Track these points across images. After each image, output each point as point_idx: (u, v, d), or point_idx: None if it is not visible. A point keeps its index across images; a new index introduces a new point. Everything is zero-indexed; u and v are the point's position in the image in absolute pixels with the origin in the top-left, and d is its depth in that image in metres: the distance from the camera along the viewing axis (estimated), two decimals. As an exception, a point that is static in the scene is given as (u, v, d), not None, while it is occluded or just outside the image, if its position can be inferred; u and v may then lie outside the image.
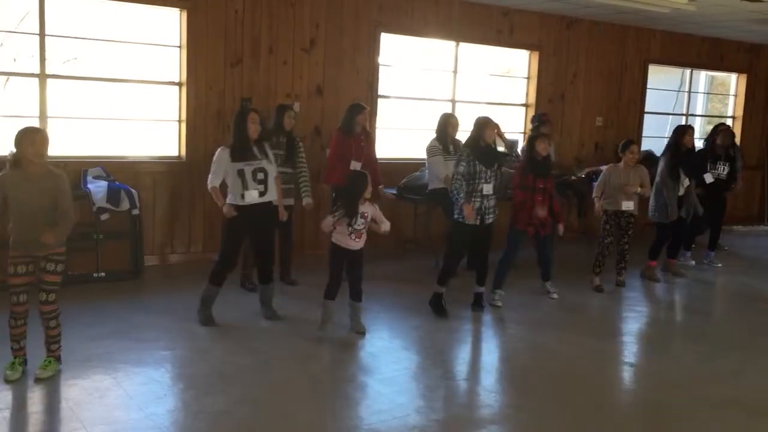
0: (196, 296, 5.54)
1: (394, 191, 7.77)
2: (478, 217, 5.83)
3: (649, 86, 10.60)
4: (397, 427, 3.93)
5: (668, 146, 7.53)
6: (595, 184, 7.14)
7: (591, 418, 4.19)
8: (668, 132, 7.90)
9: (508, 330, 5.94)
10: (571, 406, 4.35)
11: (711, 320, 6.73)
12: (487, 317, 6.05)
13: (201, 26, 7.12)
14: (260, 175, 5.37)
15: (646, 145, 10.26)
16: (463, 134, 6.42)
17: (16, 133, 4.20)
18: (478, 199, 5.80)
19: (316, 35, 7.76)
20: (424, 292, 6.22)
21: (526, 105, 9.53)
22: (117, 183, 6.64)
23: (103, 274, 6.52)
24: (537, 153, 6.27)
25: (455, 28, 8.68)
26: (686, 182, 7.40)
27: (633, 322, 6.37)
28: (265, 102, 7.23)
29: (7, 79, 8.95)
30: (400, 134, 9.27)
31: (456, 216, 5.88)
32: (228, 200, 5.38)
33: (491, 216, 5.93)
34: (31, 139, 4.14)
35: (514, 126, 9.51)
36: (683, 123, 11.04)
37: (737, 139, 11.69)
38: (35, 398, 4.17)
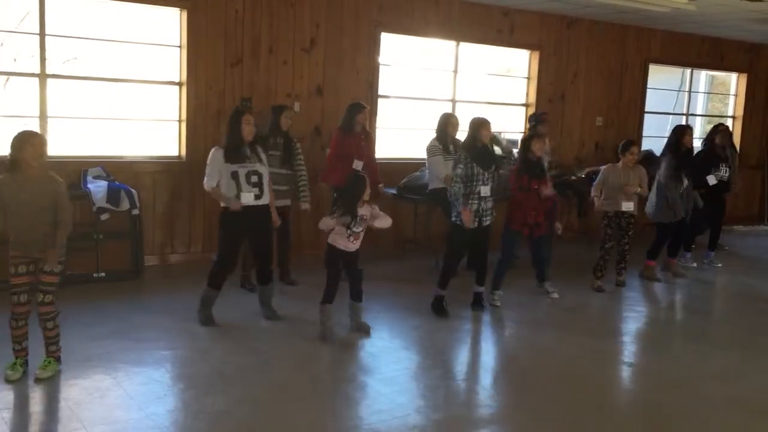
0: (197, 296, 5.54)
1: (394, 191, 7.77)
2: (476, 219, 5.82)
3: (649, 86, 10.59)
4: (397, 427, 3.93)
5: (668, 146, 7.51)
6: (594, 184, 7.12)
7: (591, 418, 4.19)
8: (668, 132, 7.86)
9: (508, 330, 5.94)
10: (571, 405, 4.35)
11: (711, 320, 6.73)
12: (487, 317, 6.05)
13: (201, 26, 7.12)
14: (254, 178, 5.36)
15: (646, 144, 10.26)
16: (463, 134, 6.42)
17: (13, 136, 4.19)
18: (476, 201, 5.79)
19: (316, 35, 7.77)
20: (424, 292, 6.22)
21: (526, 105, 9.53)
22: (117, 183, 6.64)
23: (103, 274, 6.52)
24: (532, 153, 6.25)
25: (455, 28, 8.68)
26: (685, 182, 7.40)
27: (633, 322, 6.37)
28: (265, 102, 7.24)
29: (8, 79, 8.96)
30: (401, 134, 9.27)
31: (454, 218, 5.87)
32: (223, 203, 5.38)
33: (489, 218, 5.92)
34: (32, 142, 4.15)
35: (515, 126, 9.52)
36: (684, 123, 11.08)
37: (738, 139, 11.79)
38: (36, 398, 4.17)
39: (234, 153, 5.31)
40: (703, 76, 12.48)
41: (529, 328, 5.93)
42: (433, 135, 7.16)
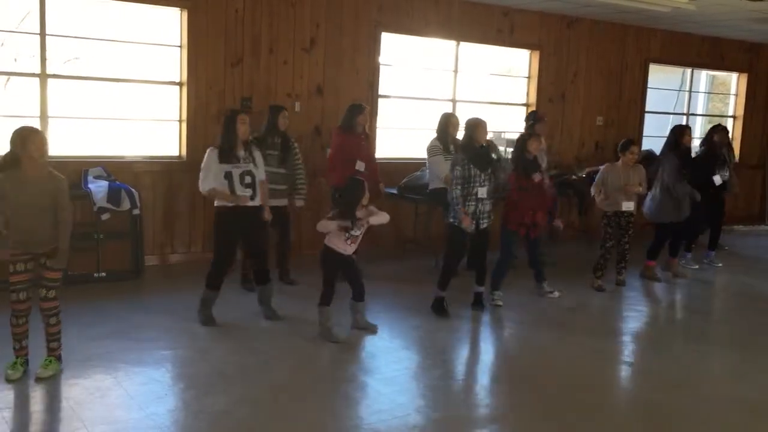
0: (197, 296, 5.55)
1: (395, 191, 7.77)
2: (474, 222, 5.82)
3: (649, 86, 10.59)
4: (397, 427, 3.94)
5: (669, 146, 7.47)
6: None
7: (591, 418, 4.19)
8: (668, 132, 7.83)
9: (508, 330, 5.94)
10: (571, 405, 4.35)
11: (711, 320, 6.73)
12: (487, 317, 6.05)
13: (201, 26, 7.13)
14: (248, 179, 5.36)
15: (646, 144, 10.26)
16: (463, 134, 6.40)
17: (14, 132, 4.19)
18: (473, 204, 5.79)
19: (316, 35, 7.77)
20: (424, 292, 6.23)
21: (526, 104, 9.53)
22: (117, 183, 6.65)
23: (103, 274, 6.52)
24: (528, 153, 6.23)
25: (456, 28, 8.68)
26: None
27: (633, 322, 6.37)
28: (265, 102, 7.23)
29: (8, 79, 8.96)
30: (401, 134, 9.28)
31: (452, 220, 5.86)
32: (217, 203, 5.36)
33: (486, 221, 5.91)
34: (33, 139, 4.15)
35: (515, 126, 9.51)
36: (684, 123, 11.08)
37: (738, 139, 11.80)
38: (36, 398, 4.17)
39: (228, 153, 5.30)
40: (703, 75, 12.48)
41: (529, 327, 5.93)
42: (434, 135, 7.16)
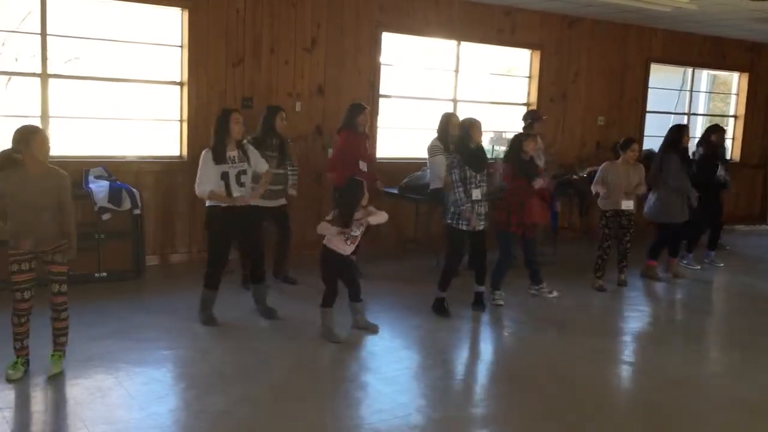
0: (197, 296, 5.55)
1: (396, 191, 7.77)
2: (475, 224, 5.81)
3: (650, 85, 10.59)
4: (398, 427, 3.94)
5: (671, 146, 7.39)
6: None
7: (591, 418, 4.20)
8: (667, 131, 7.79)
9: (508, 330, 5.94)
10: (572, 405, 4.35)
11: (712, 320, 6.73)
12: (488, 317, 6.05)
13: (202, 26, 7.13)
14: (243, 178, 5.36)
15: (647, 144, 10.25)
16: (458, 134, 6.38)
17: (17, 132, 4.19)
18: (469, 205, 5.78)
19: (317, 35, 7.77)
20: (424, 292, 6.23)
21: (527, 104, 9.52)
22: (118, 183, 6.65)
23: (104, 274, 6.53)
24: (525, 153, 6.21)
25: (456, 28, 8.68)
26: None
27: (634, 322, 6.37)
28: (266, 102, 7.23)
29: (9, 79, 8.96)
30: (402, 134, 9.27)
31: (450, 221, 5.85)
32: (209, 202, 5.35)
33: (483, 222, 5.89)
34: (36, 138, 4.16)
35: (516, 126, 9.50)
36: (685, 122, 11.08)
37: (739, 139, 11.80)
38: (37, 398, 4.18)
39: (223, 153, 5.29)
40: (704, 75, 12.46)
41: (530, 327, 5.94)
42: (435, 135, 7.16)
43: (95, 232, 6.48)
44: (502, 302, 6.26)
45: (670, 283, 7.49)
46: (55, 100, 6.65)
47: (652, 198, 7.39)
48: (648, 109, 10.64)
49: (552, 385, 4.65)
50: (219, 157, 5.27)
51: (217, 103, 7.25)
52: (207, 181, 5.28)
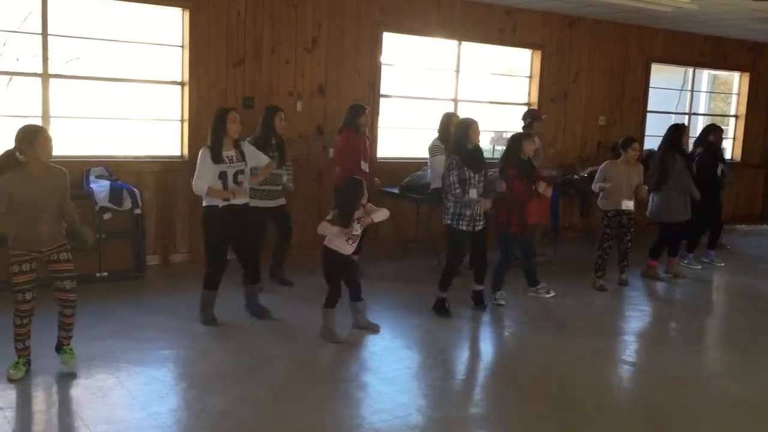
0: (198, 296, 5.55)
1: (396, 190, 7.78)
2: (471, 224, 5.82)
3: (651, 85, 10.59)
4: (398, 427, 3.94)
5: (672, 146, 7.35)
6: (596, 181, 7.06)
7: (591, 418, 4.20)
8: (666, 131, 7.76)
9: (509, 329, 5.94)
10: (572, 405, 4.35)
11: (712, 320, 6.73)
12: (489, 317, 6.05)
13: (203, 26, 7.14)
14: (241, 177, 5.35)
15: (648, 144, 10.26)
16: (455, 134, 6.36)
17: (20, 131, 4.19)
18: (469, 206, 5.77)
19: (318, 35, 7.77)
20: (425, 292, 6.23)
21: (528, 104, 9.52)
22: (119, 182, 6.66)
23: (105, 273, 6.53)
24: (524, 153, 6.20)
25: (457, 28, 8.68)
26: None
27: (634, 322, 6.37)
28: (267, 102, 7.23)
29: (10, 79, 8.99)
30: (403, 133, 9.28)
31: (450, 221, 5.84)
32: (206, 202, 5.35)
33: (481, 223, 5.89)
34: (40, 138, 4.16)
35: (516, 126, 9.51)
36: (686, 122, 11.08)
37: (741, 139, 11.79)
38: (38, 397, 4.20)
39: (220, 152, 5.28)
40: (705, 75, 12.47)
41: (530, 327, 5.94)
42: (436, 135, 7.17)
43: (96, 232, 6.46)
44: (503, 302, 6.27)
45: (670, 283, 7.49)
46: (56, 100, 6.66)
47: (654, 198, 7.38)
48: (649, 108, 10.64)
49: (552, 385, 4.66)
50: (216, 157, 5.26)
51: (218, 104, 7.24)
52: (204, 178, 5.26)
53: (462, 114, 7.87)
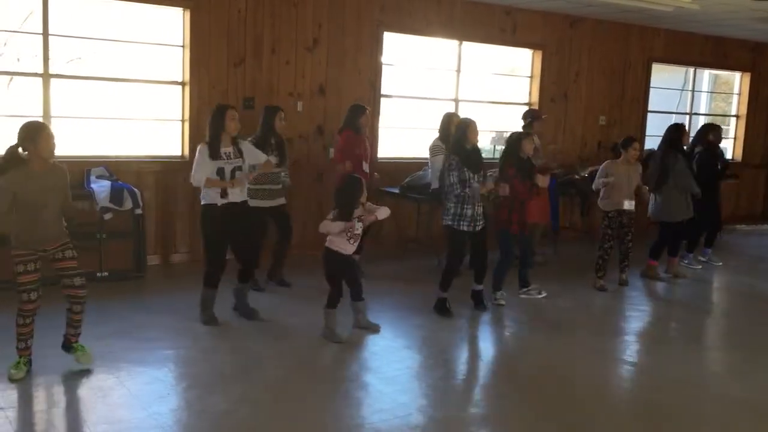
0: (198, 295, 5.55)
1: (397, 190, 7.78)
2: (471, 224, 5.82)
3: (652, 85, 10.59)
4: (399, 427, 3.94)
5: (672, 145, 7.36)
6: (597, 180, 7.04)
7: (591, 418, 4.20)
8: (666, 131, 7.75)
9: (509, 330, 5.94)
10: (573, 405, 4.35)
11: (713, 320, 6.72)
12: (489, 317, 6.05)
13: (204, 26, 7.14)
14: (238, 174, 5.35)
15: (649, 143, 10.26)
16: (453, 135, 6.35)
17: (23, 128, 4.19)
18: (470, 207, 5.76)
19: (318, 35, 7.78)
20: (426, 292, 6.23)
21: (529, 104, 9.52)
22: (120, 182, 6.66)
23: (106, 273, 6.53)
24: (523, 152, 6.18)
25: (458, 27, 8.68)
26: None
27: (635, 322, 6.37)
28: (267, 101, 7.23)
29: (11, 79, 8.99)
30: (403, 133, 9.28)
31: (451, 222, 5.83)
32: (204, 199, 5.34)
33: (481, 222, 5.89)
34: (43, 135, 4.17)
35: (517, 126, 9.51)
36: (687, 122, 11.08)
37: (742, 138, 11.79)
38: (40, 397, 4.20)
39: (218, 149, 5.28)
40: (706, 75, 12.47)
41: (531, 327, 5.94)
42: (436, 134, 7.17)
43: (97, 232, 6.48)
44: (503, 302, 6.26)
45: (670, 283, 7.49)
46: (56, 100, 6.67)
47: (655, 198, 7.37)
48: (649, 108, 10.64)
49: (552, 385, 4.66)
50: (214, 153, 5.26)
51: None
52: (202, 171, 5.24)
53: (462, 114, 7.88)
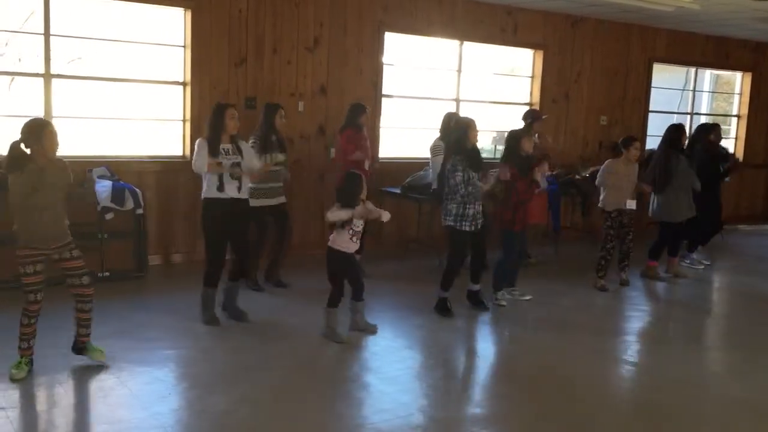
0: (199, 295, 5.55)
1: (398, 190, 7.79)
2: (473, 223, 5.82)
3: (653, 85, 10.59)
4: (400, 427, 3.94)
5: (672, 146, 7.34)
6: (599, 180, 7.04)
7: (592, 418, 4.20)
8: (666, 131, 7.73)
9: (510, 329, 5.94)
10: (573, 405, 4.35)
11: (713, 320, 6.72)
12: (490, 317, 6.05)
13: (205, 26, 7.14)
14: (235, 174, 5.34)
15: (650, 143, 10.25)
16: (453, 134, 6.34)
17: (27, 126, 4.19)
18: (471, 206, 5.76)
19: (320, 35, 7.78)
20: (427, 292, 6.23)
21: (530, 104, 9.52)
22: (121, 182, 6.66)
23: (107, 273, 6.54)
24: (523, 150, 6.18)
25: (459, 27, 8.68)
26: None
27: (635, 322, 6.37)
28: (269, 101, 7.23)
29: (12, 79, 8.99)
30: (404, 133, 9.28)
31: (453, 222, 5.83)
32: (205, 194, 5.35)
33: (481, 220, 5.90)
34: (47, 133, 4.19)
35: (518, 125, 9.50)
36: (688, 122, 11.08)
37: (743, 138, 11.78)
38: (41, 397, 4.21)
39: (217, 146, 5.28)
40: (707, 75, 12.46)
41: (531, 327, 5.94)
42: (437, 134, 7.17)
43: (98, 232, 6.49)
44: (504, 303, 6.26)
45: (671, 283, 7.49)
46: (58, 101, 6.67)
47: (657, 198, 7.36)
48: (651, 108, 10.64)
49: (553, 385, 4.66)
50: (213, 150, 5.27)
51: (220, 104, 7.27)
52: (203, 158, 5.23)
53: (463, 114, 7.88)
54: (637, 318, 6.44)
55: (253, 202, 5.94)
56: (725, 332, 6.31)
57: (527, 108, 9.38)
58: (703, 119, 11.92)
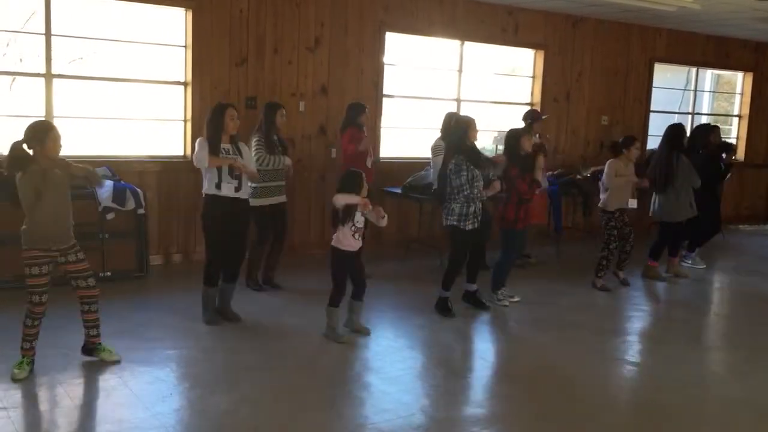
0: (200, 295, 5.56)
1: (399, 190, 7.79)
2: (474, 221, 5.82)
3: (654, 85, 10.58)
4: (401, 427, 3.95)
5: (674, 146, 7.33)
6: (603, 180, 7.01)
7: (592, 418, 4.20)
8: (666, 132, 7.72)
9: (511, 329, 5.94)
10: (574, 405, 4.36)
11: (713, 320, 6.72)
12: (491, 316, 6.06)
13: (206, 26, 7.15)
14: (235, 171, 5.34)
15: (651, 143, 10.25)
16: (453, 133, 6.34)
17: (30, 128, 4.20)
18: (473, 204, 5.76)
19: (320, 34, 7.78)
20: (428, 292, 6.23)
21: (531, 104, 9.52)
22: (122, 182, 6.68)
23: (108, 273, 6.54)
24: (523, 149, 6.18)
25: (460, 27, 8.68)
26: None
27: (636, 322, 6.37)
28: (270, 101, 7.24)
29: (14, 79, 8.99)
30: (405, 133, 9.28)
31: (455, 222, 5.83)
32: (205, 190, 5.36)
33: (481, 215, 5.90)
34: (50, 134, 4.20)
35: (519, 126, 9.50)
36: (689, 122, 11.07)
37: (744, 138, 11.78)
38: (42, 397, 4.21)
39: (217, 146, 5.28)
40: (708, 74, 12.45)
41: (533, 327, 5.94)
42: (438, 134, 7.17)
43: (99, 232, 6.49)
44: (507, 303, 6.27)
45: (671, 283, 7.49)
46: (59, 101, 6.68)
47: (658, 199, 7.36)
48: (652, 108, 10.64)
49: (553, 385, 4.66)
50: (213, 149, 5.26)
51: (221, 104, 7.27)
52: (204, 152, 5.21)
53: (464, 114, 7.88)
54: (637, 318, 6.44)
55: (254, 201, 5.94)
56: (726, 332, 6.31)
57: (528, 108, 9.39)
58: (705, 119, 11.92)
